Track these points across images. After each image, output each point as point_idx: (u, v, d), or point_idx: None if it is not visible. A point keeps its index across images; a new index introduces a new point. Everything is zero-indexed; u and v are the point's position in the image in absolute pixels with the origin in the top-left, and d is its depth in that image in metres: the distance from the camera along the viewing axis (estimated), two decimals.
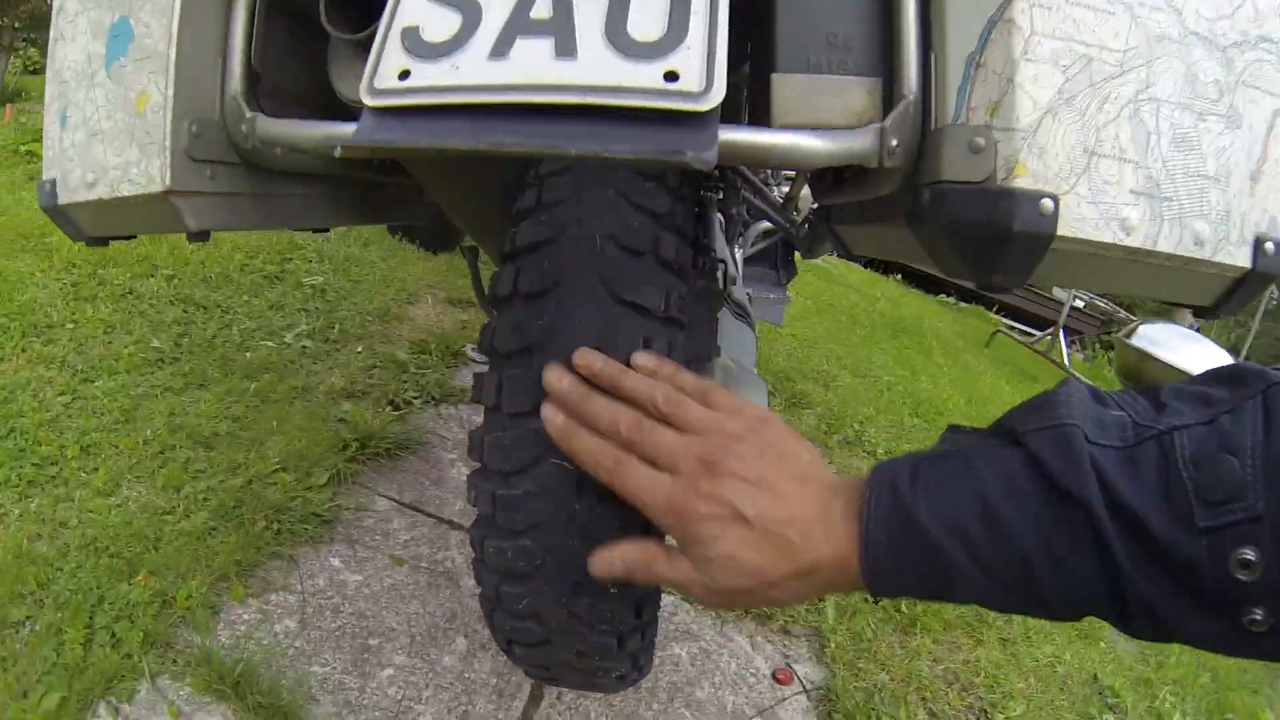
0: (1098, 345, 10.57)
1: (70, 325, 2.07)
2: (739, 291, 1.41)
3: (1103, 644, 2.32)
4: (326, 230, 1.42)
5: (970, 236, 0.59)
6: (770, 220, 1.69)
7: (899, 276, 9.86)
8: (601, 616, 0.74)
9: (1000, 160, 0.57)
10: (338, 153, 0.58)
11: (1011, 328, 8.94)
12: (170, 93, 0.75)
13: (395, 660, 1.38)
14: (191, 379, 1.99)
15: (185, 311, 2.29)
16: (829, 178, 0.95)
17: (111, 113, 0.79)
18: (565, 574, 0.72)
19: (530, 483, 0.70)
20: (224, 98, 0.80)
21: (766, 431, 0.62)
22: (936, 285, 10.19)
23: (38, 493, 1.53)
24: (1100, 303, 10.68)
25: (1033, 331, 8.93)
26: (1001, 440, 0.56)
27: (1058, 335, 7.23)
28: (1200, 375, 0.56)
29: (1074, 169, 0.58)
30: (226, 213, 0.84)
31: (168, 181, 0.75)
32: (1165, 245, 0.60)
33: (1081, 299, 9.79)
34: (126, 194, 0.78)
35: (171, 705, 1.18)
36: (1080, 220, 0.58)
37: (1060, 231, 0.57)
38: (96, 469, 1.61)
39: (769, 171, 2.17)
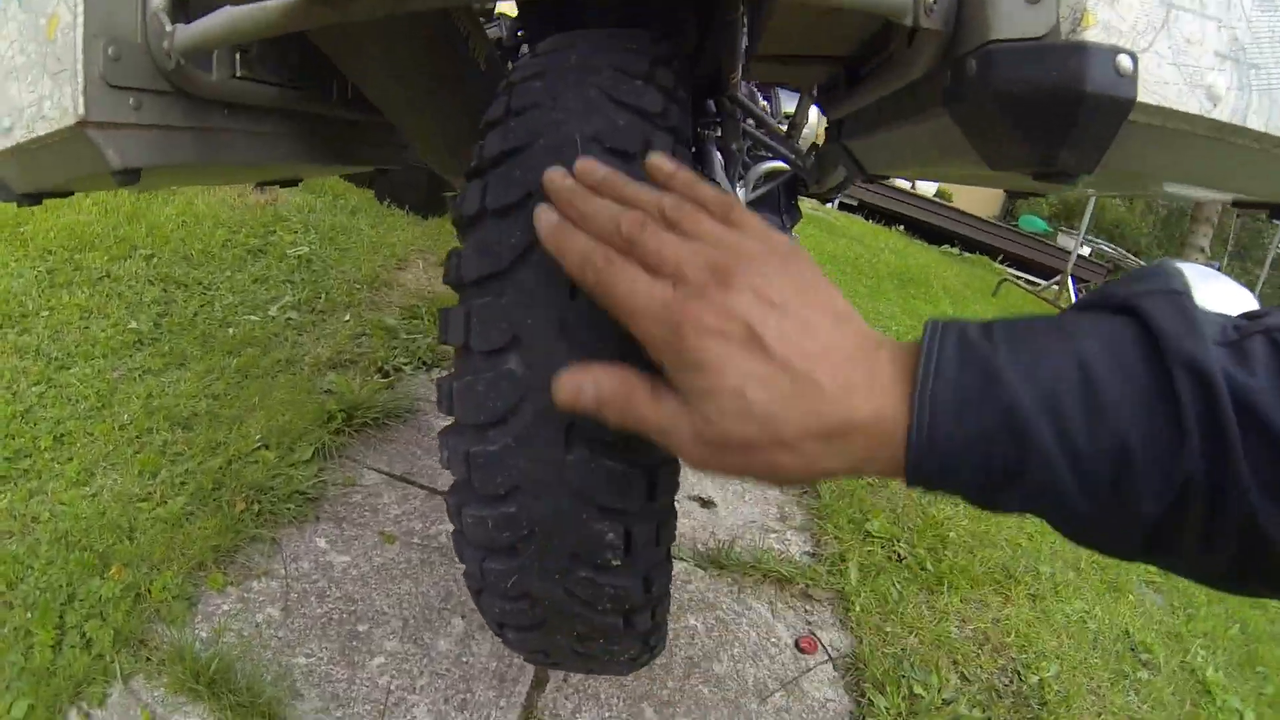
0: None
1: (46, 313, 1.98)
2: None
3: (1131, 597, 2.25)
4: (295, 183, 1.31)
5: (1030, 106, 0.48)
6: (774, 153, 1.57)
7: (901, 228, 9.73)
8: (603, 594, 0.64)
9: (1064, 10, 0.47)
10: None
11: (1018, 277, 8.83)
12: (80, 9, 0.65)
13: (386, 646, 1.30)
14: (171, 359, 1.90)
15: (165, 291, 2.19)
16: (842, 82, 0.85)
17: (24, 45, 0.70)
18: (558, 545, 0.62)
19: (510, 435, 0.59)
20: (145, 15, 0.70)
21: (798, 260, 0.49)
22: (940, 236, 10.07)
23: (10, 488, 1.45)
24: (1107, 248, 10.56)
25: (1038, 281, 8.83)
26: (1091, 310, 0.44)
27: (1065, 283, 7.14)
28: None
29: (1151, 22, 0.48)
30: (158, 148, 0.74)
31: (81, 111, 0.65)
32: (1255, 122, 0.51)
33: (1087, 246, 9.67)
34: (43, 133, 0.69)
35: (145, 709, 1.10)
36: (1162, 85, 0.48)
37: (1140, 98, 0.47)
38: (70, 459, 1.53)
39: (768, 102, 2.05)
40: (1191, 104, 0.48)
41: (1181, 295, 0.40)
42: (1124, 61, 0.46)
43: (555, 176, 0.55)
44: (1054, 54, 0.47)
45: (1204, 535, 0.39)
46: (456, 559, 1.48)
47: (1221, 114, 0.49)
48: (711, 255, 0.47)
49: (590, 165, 0.55)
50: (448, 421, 0.65)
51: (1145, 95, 0.47)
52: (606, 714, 1.29)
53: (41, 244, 2.25)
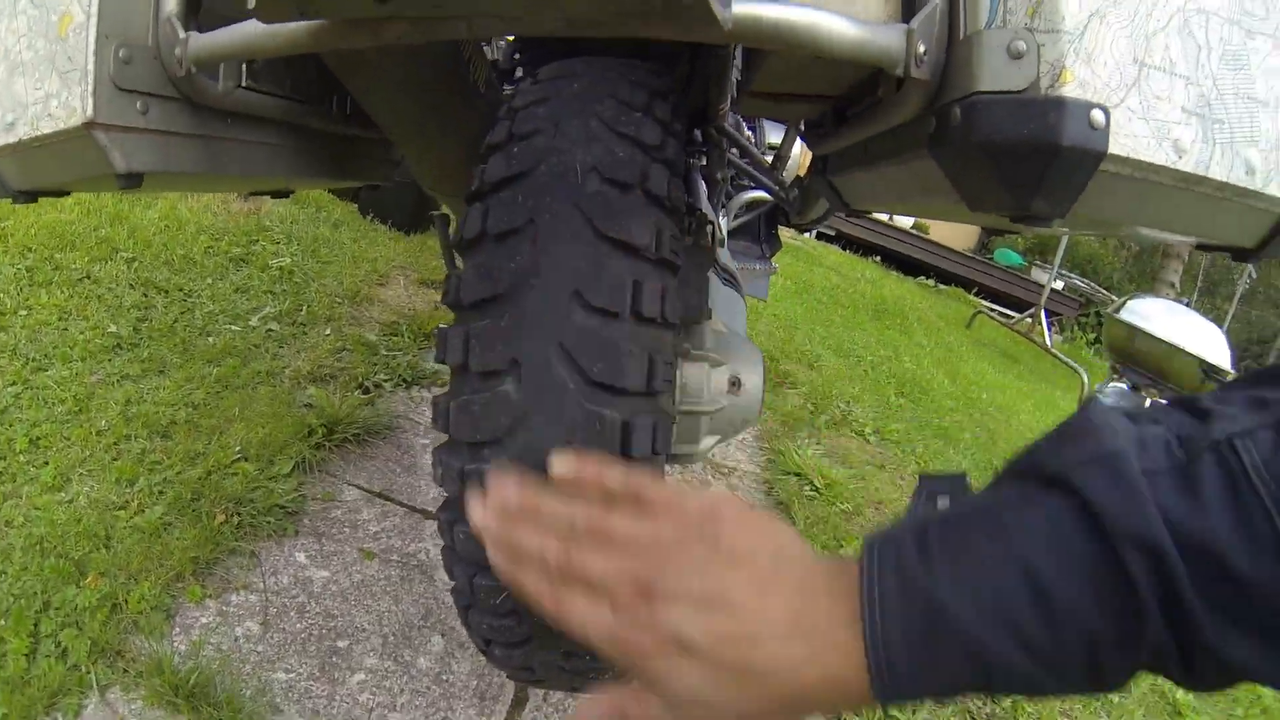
0: (1076, 326, 10.59)
1: (23, 312, 1.96)
2: (725, 257, 1.33)
3: None
4: (286, 195, 1.32)
5: (1010, 155, 0.52)
6: (757, 183, 1.60)
7: (877, 259, 9.81)
8: None
9: (1044, 66, 0.51)
10: (251, 4, 0.49)
11: (992, 310, 8.93)
12: (94, 10, 0.66)
13: (366, 663, 1.30)
14: (150, 365, 1.89)
15: (145, 295, 2.18)
16: (830, 120, 0.87)
17: (33, 41, 0.70)
18: None
19: (504, 455, 0.61)
20: (158, 20, 0.71)
21: (715, 530, 0.48)
22: (916, 268, 10.16)
23: None
24: (1080, 283, 10.70)
25: (1012, 314, 8.93)
26: (1024, 485, 0.43)
27: (1039, 317, 7.23)
28: (1240, 378, 0.45)
29: (1124, 80, 0.52)
30: (162, 154, 0.75)
31: (89, 112, 0.67)
32: (1217, 172, 0.54)
33: (1060, 280, 9.80)
34: (47, 131, 0.70)
35: None
36: (1132, 138, 0.52)
37: (1111, 149, 0.51)
38: (46, 463, 1.52)
39: (752, 132, 2.09)
40: (1159, 156, 0.52)
41: (1114, 457, 0.40)
42: (1097, 116, 0.50)
43: (479, 518, 0.53)
44: (1033, 107, 0.50)
45: (1181, 671, 0.40)
46: (438, 577, 1.49)
47: (1187, 165, 0.53)
48: (629, 567, 0.47)
49: (503, 496, 0.53)
50: (428, 441, 0.67)
51: (1116, 147, 0.50)
52: None
53: (21, 240, 2.22)
